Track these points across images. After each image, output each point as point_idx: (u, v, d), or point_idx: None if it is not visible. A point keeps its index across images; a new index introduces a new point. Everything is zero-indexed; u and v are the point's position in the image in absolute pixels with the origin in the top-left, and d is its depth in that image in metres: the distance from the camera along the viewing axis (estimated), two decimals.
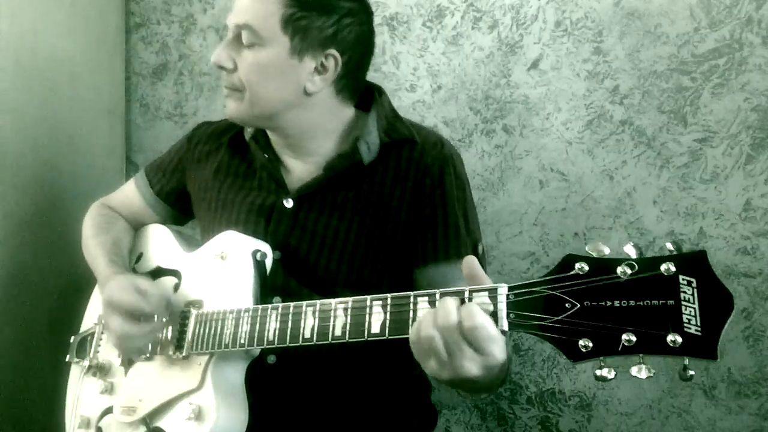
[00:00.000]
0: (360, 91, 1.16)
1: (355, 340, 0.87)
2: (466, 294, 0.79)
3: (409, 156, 1.12)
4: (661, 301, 0.68)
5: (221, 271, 1.08)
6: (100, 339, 1.22)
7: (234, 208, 1.17)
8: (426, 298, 0.82)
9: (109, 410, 1.15)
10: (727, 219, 1.42)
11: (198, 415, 1.01)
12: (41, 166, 1.60)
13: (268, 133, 1.19)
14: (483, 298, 0.77)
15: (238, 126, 1.22)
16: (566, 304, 0.72)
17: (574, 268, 0.72)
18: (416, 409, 1.24)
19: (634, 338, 0.69)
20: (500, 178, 1.60)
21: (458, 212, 1.11)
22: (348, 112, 1.17)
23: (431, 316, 0.77)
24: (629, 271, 0.70)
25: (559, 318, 0.72)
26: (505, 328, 0.76)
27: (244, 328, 0.99)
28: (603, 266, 0.71)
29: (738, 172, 1.41)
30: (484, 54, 1.60)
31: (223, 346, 1.01)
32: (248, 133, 1.21)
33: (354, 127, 1.16)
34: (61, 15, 1.66)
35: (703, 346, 0.66)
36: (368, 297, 0.87)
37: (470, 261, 0.81)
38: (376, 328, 0.85)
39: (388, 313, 0.85)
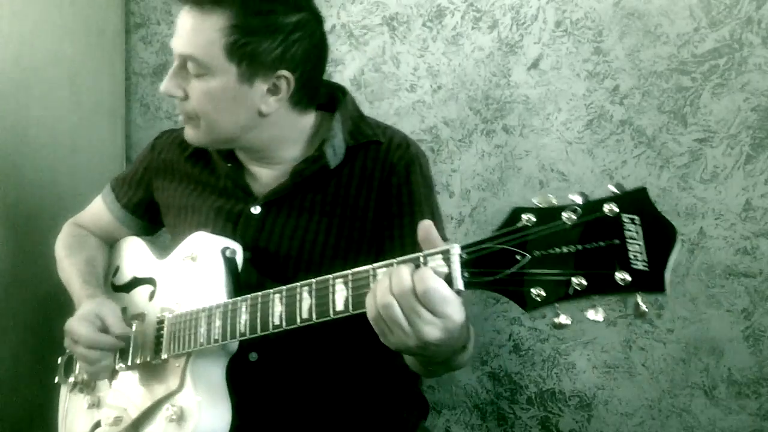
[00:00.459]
0: (317, 96, 1.15)
1: (321, 320, 0.88)
2: (421, 259, 0.79)
3: (375, 156, 1.12)
4: (607, 242, 0.69)
5: (193, 272, 1.09)
6: None
7: (202, 213, 1.17)
8: (384, 269, 0.82)
9: (98, 425, 1.16)
10: (727, 219, 1.42)
11: (180, 416, 1.01)
12: (41, 166, 1.60)
13: None
14: (437, 260, 0.78)
15: None
16: (517, 256, 0.73)
17: (521, 220, 0.73)
18: (405, 399, 1.24)
19: (584, 281, 0.69)
20: (500, 178, 1.60)
21: (425, 210, 1.11)
22: (309, 118, 1.16)
23: (386, 284, 0.78)
24: (574, 217, 0.70)
25: (512, 271, 0.73)
26: (461, 287, 0.76)
27: (217, 323, 1.00)
28: (549, 215, 0.72)
29: (738, 172, 1.41)
30: (484, 54, 1.60)
31: (198, 345, 1.02)
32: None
33: (319, 129, 1.15)
34: (61, 15, 1.66)
35: (652, 280, 0.67)
36: (331, 276, 0.87)
37: (426, 225, 0.81)
38: (340, 305, 0.86)
39: (350, 289, 0.85)
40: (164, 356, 1.06)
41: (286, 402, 1.12)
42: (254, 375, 1.09)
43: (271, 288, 0.95)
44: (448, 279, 0.77)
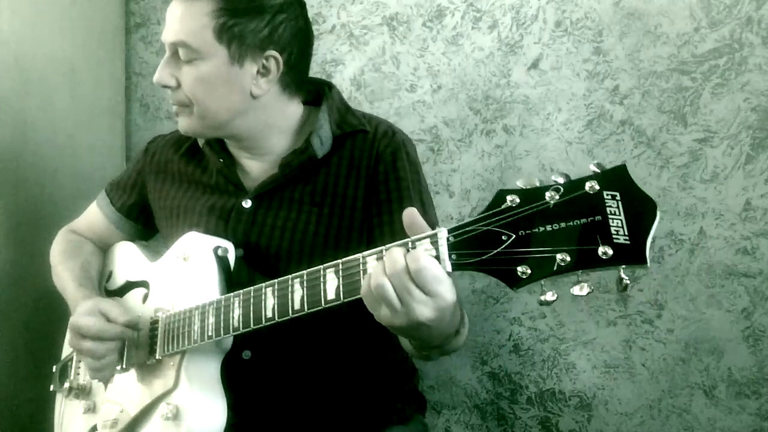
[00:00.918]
0: (305, 82, 1.18)
1: (313, 309, 0.89)
2: (410, 244, 0.81)
3: (361, 145, 1.14)
4: (589, 219, 0.71)
5: (185, 272, 1.10)
6: (79, 362, 1.24)
7: (194, 213, 1.18)
8: (374, 256, 0.84)
9: (94, 429, 1.16)
10: (727, 219, 1.42)
11: (176, 414, 1.02)
12: (41, 166, 1.60)
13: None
14: (426, 244, 0.80)
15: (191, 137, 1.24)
16: (503, 237, 0.75)
17: (506, 201, 0.75)
18: (402, 395, 1.24)
19: (568, 257, 0.71)
20: (500, 178, 1.60)
21: (414, 195, 1.13)
22: (297, 108, 1.18)
23: (380, 266, 0.80)
24: (557, 196, 0.73)
25: (498, 251, 0.75)
26: (449, 269, 0.78)
27: (210, 320, 1.00)
28: (532, 195, 0.74)
29: (738, 172, 1.41)
30: (484, 54, 1.61)
31: (192, 342, 1.02)
32: (202, 140, 1.22)
33: (306, 123, 1.18)
34: (61, 15, 1.66)
35: (633, 253, 0.69)
36: (321, 266, 0.89)
37: (410, 212, 0.83)
38: (331, 294, 0.87)
39: (340, 277, 0.87)
40: (158, 356, 1.06)
41: (280, 399, 1.12)
42: (248, 373, 1.10)
43: (263, 283, 0.96)
44: (437, 261, 0.79)
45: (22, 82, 1.54)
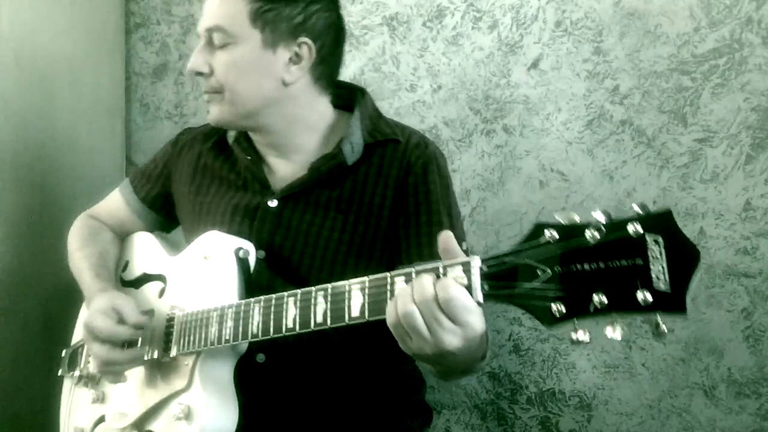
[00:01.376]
0: (337, 82, 1.18)
1: (336, 325, 0.88)
2: (441, 269, 0.80)
3: (392, 155, 1.13)
4: (629, 261, 0.69)
5: (205, 271, 1.09)
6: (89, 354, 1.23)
7: (219, 209, 1.17)
8: (402, 277, 0.83)
9: (101, 419, 1.16)
10: (727, 219, 1.42)
11: (187, 415, 1.01)
12: (41, 166, 1.60)
13: (251, 134, 1.19)
14: (457, 271, 0.78)
15: (221, 130, 1.23)
16: (538, 271, 0.74)
17: (544, 236, 0.73)
18: (410, 407, 1.24)
19: (605, 298, 0.70)
20: (500, 178, 1.60)
21: (442, 210, 1.12)
22: (328, 107, 1.18)
23: (408, 292, 0.78)
24: (598, 235, 0.71)
25: (532, 285, 0.74)
26: (480, 299, 0.77)
27: (229, 324, 1.00)
28: (572, 232, 0.72)
29: (738, 172, 1.41)
30: (484, 54, 1.60)
31: (208, 344, 1.01)
32: (231, 136, 1.22)
33: (337, 127, 1.17)
34: (61, 15, 1.66)
35: (673, 301, 0.67)
36: (347, 282, 0.88)
37: (446, 236, 0.82)
38: (355, 311, 0.86)
39: (366, 296, 0.86)
40: (173, 354, 1.05)
41: (291, 404, 1.11)
42: (261, 376, 1.09)
43: (282, 288, 0.96)
44: (468, 290, 0.78)
45: (22, 82, 1.54)
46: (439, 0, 1.64)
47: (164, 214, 1.33)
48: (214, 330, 1.01)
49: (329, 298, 0.89)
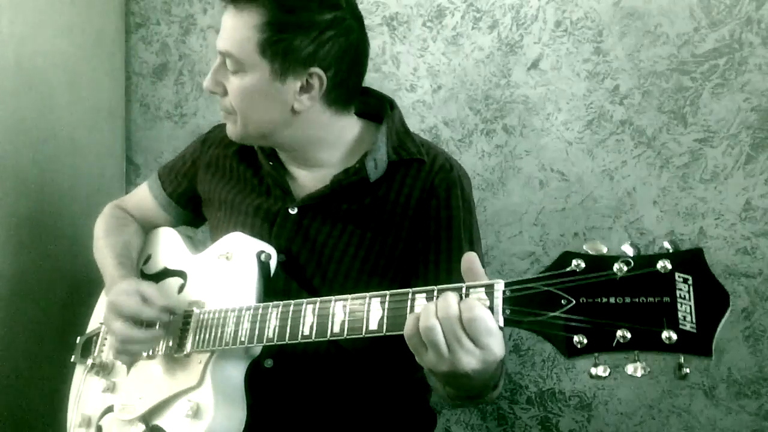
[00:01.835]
0: (354, 98, 1.15)
1: (353, 336, 0.88)
2: (464, 290, 0.79)
3: (416, 175, 1.11)
4: (656, 298, 0.68)
5: (226, 271, 1.09)
6: (105, 339, 1.23)
7: (240, 211, 1.18)
8: (424, 294, 0.82)
9: (110, 409, 1.16)
10: (727, 219, 1.42)
11: (196, 412, 1.01)
12: (41, 166, 1.60)
13: None
14: (480, 294, 0.78)
15: None
16: (562, 300, 0.72)
17: (570, 265, 0.72)
18: (415, 412, 1.24)
19: (629, 334, 0.69)
20: (500, 178, 1.60)
21: (463, 235, 1.10)
22: (349, 122, 1.15)
23: (432, 308, 0.78)
24: (625, 268, 0.69)
25: (555, 314, 0.72)
26: (501, 323, 0.76)
27: (245, 326, 1.00)
28: (599, 263, 0.71)
29: (738, 172, 1.41)
30: (484, 54, 1.60)
31: (223, 344, 1.01)
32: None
33: (362, 138, 1.15)
34: (61, 15, 1.66)
35: (699, 343, 0.66)
36: (367, 294, 0.87)
37: (470, 257, 0.81)
38: (373, 325, 0.85)
39: (386, 310, 0.85)
40: (187, 350, 1.05)
41: (297, 410, 1.11)
42: (268, 381, 1.09)
43: (297, 293, 0.96)
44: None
45: (22, 82, 1.54)
46: (439, 0, 1.64)
47: (191, 210, 1.33)
48: (230, 330, 1.01)
49: (347, 309, 0.88)
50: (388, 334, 0.84)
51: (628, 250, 0.71)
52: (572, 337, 0.71)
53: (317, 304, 0.92)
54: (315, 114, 1.10)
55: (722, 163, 1.42)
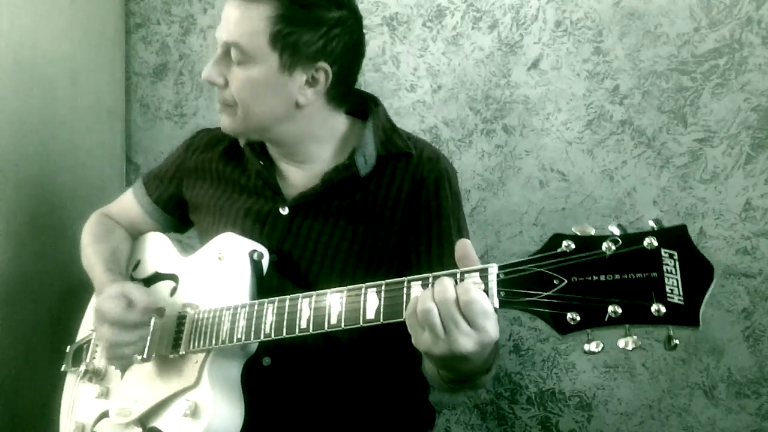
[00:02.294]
0: (350, 95, 1.17)
1: (350, 326, 0.89)
2: (458, 275, 0.81)
3: (405, 168, 1.14)
4: (644, 274, 0.71)
5: (219, 271, 1.09)
6: (96, 345, 1.23)
7: (231, 213, 1.18)
8: (419, 282, 0.84)
9: (105, 414, 1.15)
10: (727, 219, 1.42)
11: (194, 412, 1.01)
12: (41, 166, 1.60)
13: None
14: (474, 278, 0.80)
15: None
16: (554, 281, 0.75)
17: (561, 246, 0.75)
18: (414, 408, 1.24)
19: (619, 309, 0.71)
20: (500, 178, 1.60)
21: (453, 225, 1.12)
22: (340, 119, 1.18)
23: (429, 292, 0.79)
24: (613, 247, 0.72)
25: (548, 294, 0.75)
26: (496, 305, 0.78)
27: (241, 323, 1.00)
28: (588, 243, 0.74)
29: (738, 172, 1.41)
30: (484, 54, 1.60)
31: (220, 342, 1.02)
32: (243, 140, 1.22)
33: (350, 135, 1.17)
34: (61, 15, 1.66)
35: (687, 314, 0.69)
36: (363, 285, 0.89)
37: (464, 244, 0.83)
38: (370, 314, 0.87)
39: (382, 299, 0.86)
40: (182, 351, 1.05)
41: (296, 407, 1.12)
42: (266, 379, 1.09)
43: (292, 291, 0.96)
44: None
45: (22, 82, 1.54)
46: (439, 0, 1.64)
47: (177, 216, 1.34)
48: (226, 329, 1.01)
49: (344, 300, 0.90)
50: (385, 322, 0.85)
51: (616, 230, 0.73)
52: (565, 315, 0.74)
53: (313, 297, 0.93)
54: (315, 109, 1.12)
55: (722, 163, 1.42)
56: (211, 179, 1.24)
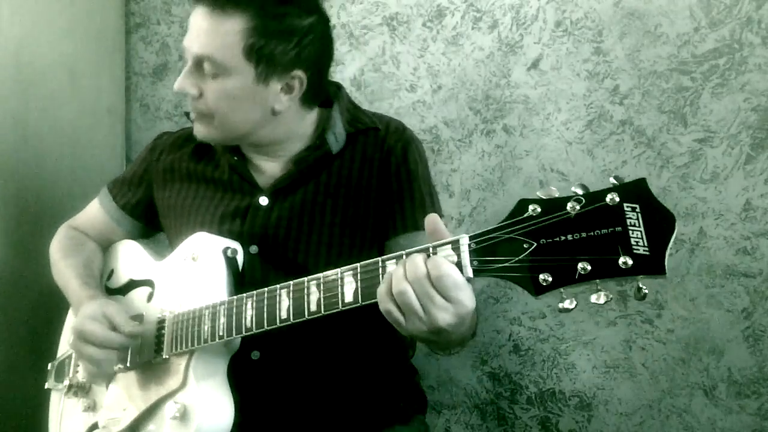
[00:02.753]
0: (323, 92, 1.20)
1: (330, 312, 0.90)
2: (431, 250, 0.82)
3: (374, 142, 1.18)
4: (609, 229, 0.73)
5: (194, 272, 1.09)
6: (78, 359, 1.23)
7: (208, 212, 1.18)
8: (393, 261, 0.85)
9: (94, 427, 1.16)
10: (727, 219, 1.42)
11: (183, 414, 1.01)
12: (41, 166, 1.60)
13: None
14: (447, 251, 0.81)
15: None
16: (524, 245, 0.77)
17: (528, 211, 0.77)
18: (403, 394, 1.25)
19: (588, 266, 0.73)
20: (500, 178, 1.60)
21: (423, 187, 1.17)
22: (313, 114, 1.20)
23: (401, 271, 0.80)
24: (578, 207, 0.74)
25: (519, 258, 0.77)
26: (470, 275, 0.80)
27: (222, 320, 1.01)
28: (554, 205, 0.76)
29: (738, 172, 1.41)
30: (484, 54, 1.60)
31: (202, 342, 1.02)
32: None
33: (318, 123, 1.20)
34: (61, 15, 1.66)
35: (653, 264, 0.71)
36: (339, 269, 0.90)
37: (433, 218, 0.85)
38: (349, 297, 0.88)
39: (359, 281, 0.88)
40: (165, 355, 1.06)
41: (287, 399, 1.12)
42: (256, 373, 1.10)
43: (275, 281, 0.97)
44: (458, 267, 0.80)
45: (22, 82, 1.54)
46: (439, 0, 1.64)
47: (144, 221, 1.33)
48: (206, 327, 1.02)
49: (322, 287, 0.91)
50: (364, 303, 0.87)
51: (578, 190, 0.75)
52: (537, 277, 0.76)
53: (291, 287, 0.94)
54: (291, 112, 1.14)
55: (722, 163, 1.42)
56: (181, 180, 1.24)
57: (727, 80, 1.41)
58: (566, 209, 0.75)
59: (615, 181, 0.74)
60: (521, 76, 1.57)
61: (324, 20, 1.13)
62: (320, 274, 0.91)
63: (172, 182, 1.25)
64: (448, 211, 1.64)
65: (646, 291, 0.72)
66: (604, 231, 0.73)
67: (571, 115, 1.54)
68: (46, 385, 1.27)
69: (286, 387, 1.12)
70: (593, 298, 0.74)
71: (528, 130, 1.57)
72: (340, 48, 1.74)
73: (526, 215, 0.77)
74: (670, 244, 0.71)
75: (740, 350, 1.42)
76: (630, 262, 0.71)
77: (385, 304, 0.82)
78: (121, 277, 1.26)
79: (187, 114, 1.16)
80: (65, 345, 1.29)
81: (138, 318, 1.12)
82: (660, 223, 0.72)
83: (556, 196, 0.76)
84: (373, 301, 0.85)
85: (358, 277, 0.88)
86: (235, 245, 1.10)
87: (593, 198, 0.74)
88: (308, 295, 0.92)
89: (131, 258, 1.27)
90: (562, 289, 0.75)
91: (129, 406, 1.09)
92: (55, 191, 1.64)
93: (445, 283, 0.78)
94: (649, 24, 1.46)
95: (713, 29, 1.42)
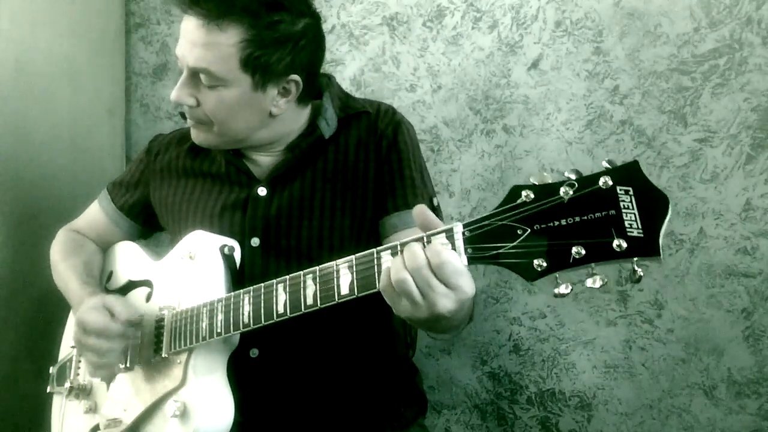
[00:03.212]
0: (317, 89, 1.21)
1: (326, 304, 0.90)
2: (425, 239, 0.82)
3: (366, 126, 1.19)
4: (603, 213, 0.73)
5: (191, 270, 1.10)
6: (79, 361, 1.24)
7: (207, 207, 1.19)
8: (388, 251, 0.85)
9: (96, 428, 1.16)
10: (727, 219, 1.42)
11: (183, 411, 1.02)
12: (41, 166, 1.60)
13: None
14: (441, 239, 0.81)
15: None
16: (518, 231, 0.77)
17: (521, 197, 0.77)
18: (404, 395, 1.25)
19: (583, 250, 0.73)
20: (500, 178, 1.60)
21: (413, 168, 1.18)
22: (308, 108, 1.21)
23: (399, 262, 0.80)
24: (571, 191, 0.75)
25: (513, 244, 0.77)
26: (465, 262, 0.80)
27: (219, 317, 1.01)
28: (547, 190, 0.76)
29: (738, 172, 1.41)
30: (484, 54, 1.60)
31: (200, 339, 1.02)
32: None
33: (312, 114, 1.21)
34: (61, 15, 1.66)
35: (647, 246, 0.70)
36: (334, 262, 0.90)
37: (420, 209, 0.84)
38: (345, 289, 0.88)
39: (354, 273, 0.88)
40: (165, 354, 1.06)
41: (287, 397, 1.13)
42: (256, 371, 1.10)
43: (275, 274, 0.97)
44: None
45: (22, 82, 1.54)
46: (439, 0, 1.64)
47: (142, 222, 1.34)
48: (204, 325, 1.02)
49: (318, 280, 0.91)
50: (360, 295, 0.87)
51: (571, 175, 0.76)
52: (532, 262, 0.75)
53: (287, 281, 0.94)
54: (288, 113, 1.15)
55: (722, 163, 1.42)
56: (179, 177, 1.25)
57: (727, 80, 1.41)
58: (559, 194, 0.75)
59: (608, 165, 0.75)
60: (521, 76, 1.57)
61: (316, 20, 1.13)
62: (316, 267, 0.92)
63: (170, 180, 1.26)
64: (448, 211, 1.64)
65: (641, 274, 0.71)
66: (597, 215, 0.73)
67: (571, 115, 1.54)
68: (48, 389, 1.27)
69: (285, 385, 1.12)
70: (588, 282, 0.74)
71: (528, 130, 1.57)
72: (340, 48, 1.74)
73: (519, 201, 0.77)
74: (665, 226, 0.71)
75: (740, 350, 1.42)
76: (624, 244, 0.71)
77: (387, 292, 0.82)
78: (120, 279, 1.26)
79: (182, 114, 1.17)
80: (66, 348, 1.29)
81: (138, 318, 1.12)
82: (653, 205, 0.72)
83: (549, 181, 0.76)
84: (368, 292, 0.85)
85: (354, 269, 0.87)
86: (232, 243, 1.10)
87: (586, 182, 0.74)
88: (304, 288, 0.92)
89: (129, 259, 1.28)
90: (557, 274, 0.75)
91: (130, 407, 1.10)
92: (55, 192, 1.64)
93: (446, 269, 0.78)
94: (649, 24, 1.46)
95: (713, 29, 1.42)
